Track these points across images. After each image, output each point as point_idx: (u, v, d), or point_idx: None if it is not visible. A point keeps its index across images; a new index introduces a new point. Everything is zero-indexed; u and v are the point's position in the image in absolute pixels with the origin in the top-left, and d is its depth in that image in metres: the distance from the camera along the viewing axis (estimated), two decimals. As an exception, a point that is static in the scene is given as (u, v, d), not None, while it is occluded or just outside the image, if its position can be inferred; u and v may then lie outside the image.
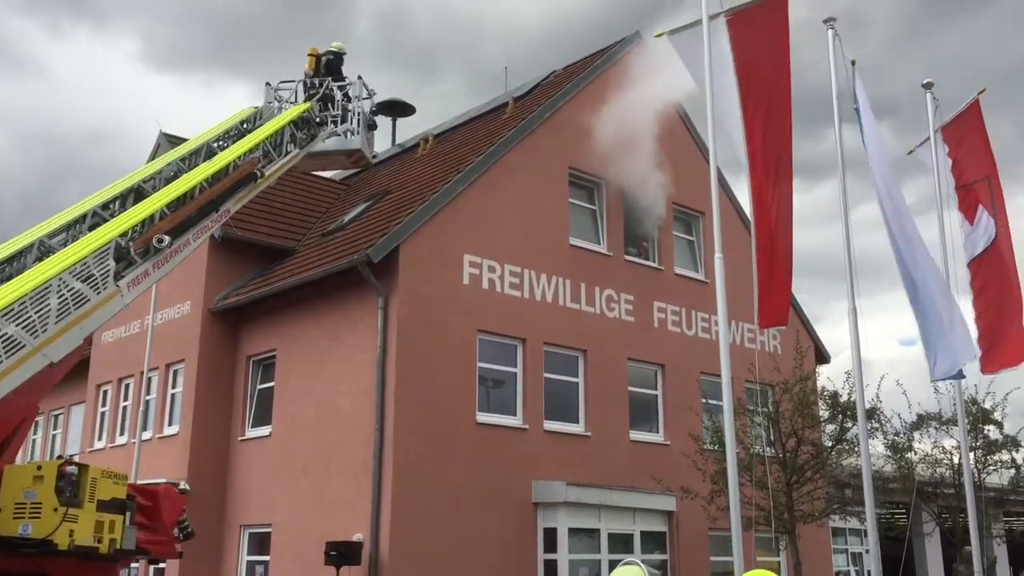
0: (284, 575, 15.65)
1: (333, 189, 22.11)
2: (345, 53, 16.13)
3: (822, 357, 21.46)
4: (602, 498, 16.11)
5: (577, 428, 17.02)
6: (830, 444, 14.91)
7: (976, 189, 11.36)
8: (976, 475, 16.60)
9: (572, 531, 15.68)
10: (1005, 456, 16.44)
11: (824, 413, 15.70)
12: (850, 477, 15.45)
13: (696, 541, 17.40)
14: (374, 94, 16.54)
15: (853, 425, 14.70)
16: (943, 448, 16.50)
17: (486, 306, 16.11)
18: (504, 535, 15.20)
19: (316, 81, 15.70)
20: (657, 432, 18.32)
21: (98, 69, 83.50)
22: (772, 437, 14.78)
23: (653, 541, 17.00)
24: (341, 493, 15.00)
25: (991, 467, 16.58)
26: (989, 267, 11.31)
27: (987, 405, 16.31)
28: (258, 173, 12.37)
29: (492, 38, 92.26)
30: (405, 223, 15.24)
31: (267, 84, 14.93)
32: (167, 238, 9.12)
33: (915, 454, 16.69)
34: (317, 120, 14.59)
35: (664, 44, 10.69)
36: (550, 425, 16.58)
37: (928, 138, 11.61)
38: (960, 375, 10.70)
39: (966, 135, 11.61)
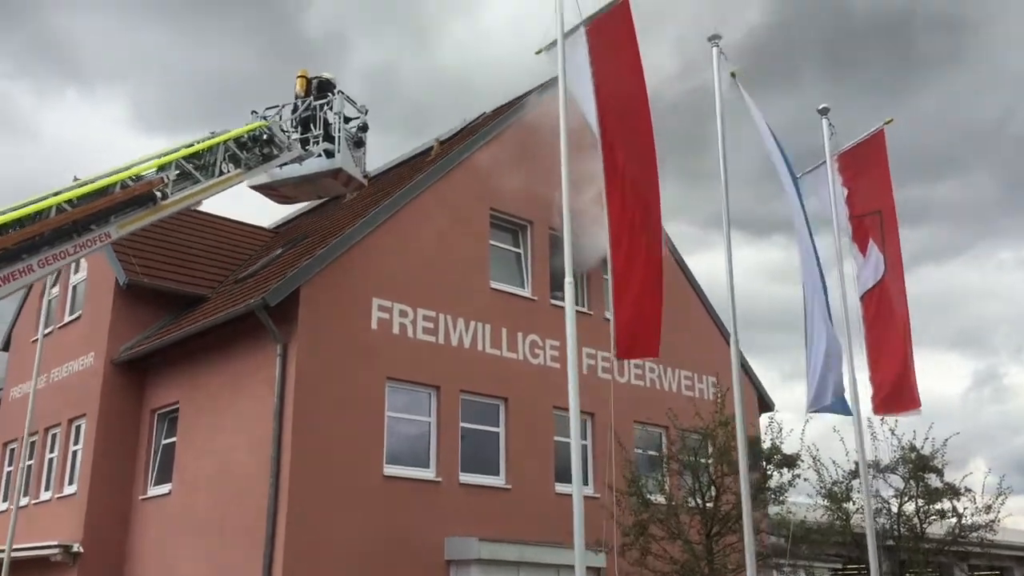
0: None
1: (259, 236, 21.41)
2: (335, 82, 15.62)
3: (765, 405, 20.66)
4: (521, 554, 15.13)
5: (497, 480, 16.12)
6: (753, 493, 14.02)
7: (867, 222, 10.78)
8: (918, 526, 15.77)
9: (487, 590, 14.70)
10: (947, 505, 15.55)
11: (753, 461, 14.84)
12: (778, 528, 14.54)
13: (627, 600, 16.38)
14: (365, 112, 15.79)
15: (776, 472, 13.90)
16: (882, 498, 15.59)
17: (396, 352, 15.31)
18: (413, 597, 14.20)
19: (299, 103, 15.14)
20: (587, 484, 17.39)
21: (86, 132, 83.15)
22: (693, 487, 13.93)
23: (580, 601, 15.97)
24: (236, 554, 14.01)
25: (933, 517, 15.69)
26: (878, 305, 10.70)
27: (926, 451, 15.48)
28: (158, 194, 11.65)
29: (480, 95, 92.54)
30: (305, 266, 14.51)
31: (253, 112, 14.30)
32: None
33: (854, 504, 15.78)
34: (272, 138, 13.87)
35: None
36: (466, 478, 15.68)
37: (820, 164, 11.03)
38: (839, 408, 9.99)
39: (865, 165, 11.06)
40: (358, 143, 15.67)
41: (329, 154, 15.21)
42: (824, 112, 11.39)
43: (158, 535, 15.78)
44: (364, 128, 15.89)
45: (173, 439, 16.34)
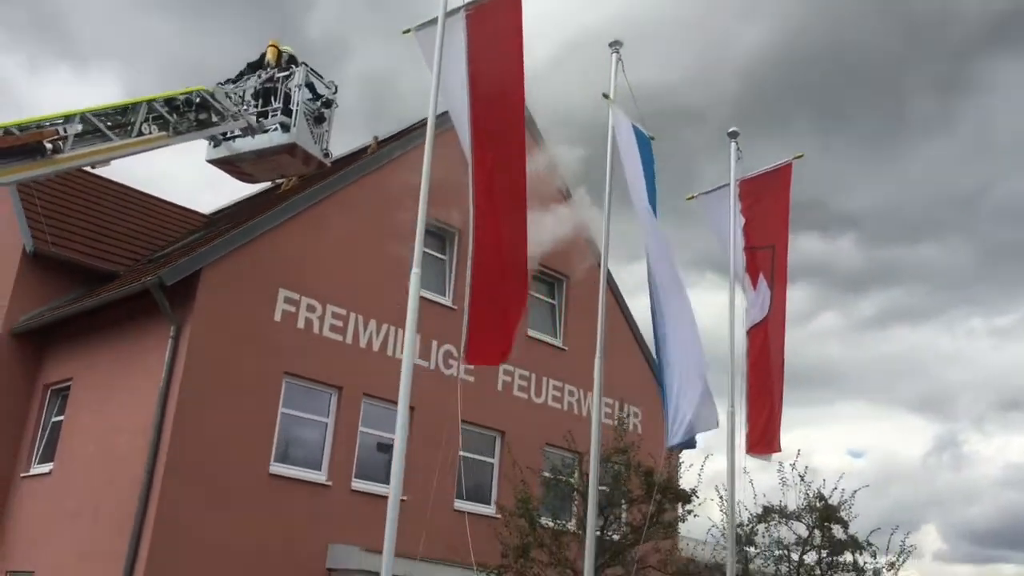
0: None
1: (191, 219, 20.84)
2: (298, 57, 14.80)
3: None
4: (407, 569, 14.53)
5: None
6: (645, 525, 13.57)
7: (760, 255, 10.41)
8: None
9: (366, 604, 14.13)
10: (848, 558, 15.13)
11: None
12: (666, 563, 14.07)
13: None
14: (335, 89, 14.67)
15: (669, 506, 13.47)
16: (783, 545, 15.16)
17: (299, 347, 14.81)
18: (287, 603, 13.62)
19: (263, 73, 14.29)
20: (489, 504, 16.90)
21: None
22: (583, 514, 13.41)
23: (469, 623, 15.42)
24: (104, 542, 13.36)
25: (836, 571, 15.23)
26: (761, 341, 10.30)
27: (833, 501, 15.07)
28: (48, 146, 11.00)
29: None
30: (208, 249, 14.02)
31: (218, 84, 13.46)
32: None
33: (755, 548, 15.34)
34: (208, 104, 13.00)
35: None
36: (360, 485, 15.16)
37: (720, 187, 10.66)
38: (692, 444, 9.63)
39: (765, 196, 10.70)
40: (319, 119, 14.41)
41: (285, 128, 14.27)
42: (734, 136, 11.04)
43: (35, 514, 15.12)
44: (328, 104, 14.82)
45: (63, 416, 15.71)
